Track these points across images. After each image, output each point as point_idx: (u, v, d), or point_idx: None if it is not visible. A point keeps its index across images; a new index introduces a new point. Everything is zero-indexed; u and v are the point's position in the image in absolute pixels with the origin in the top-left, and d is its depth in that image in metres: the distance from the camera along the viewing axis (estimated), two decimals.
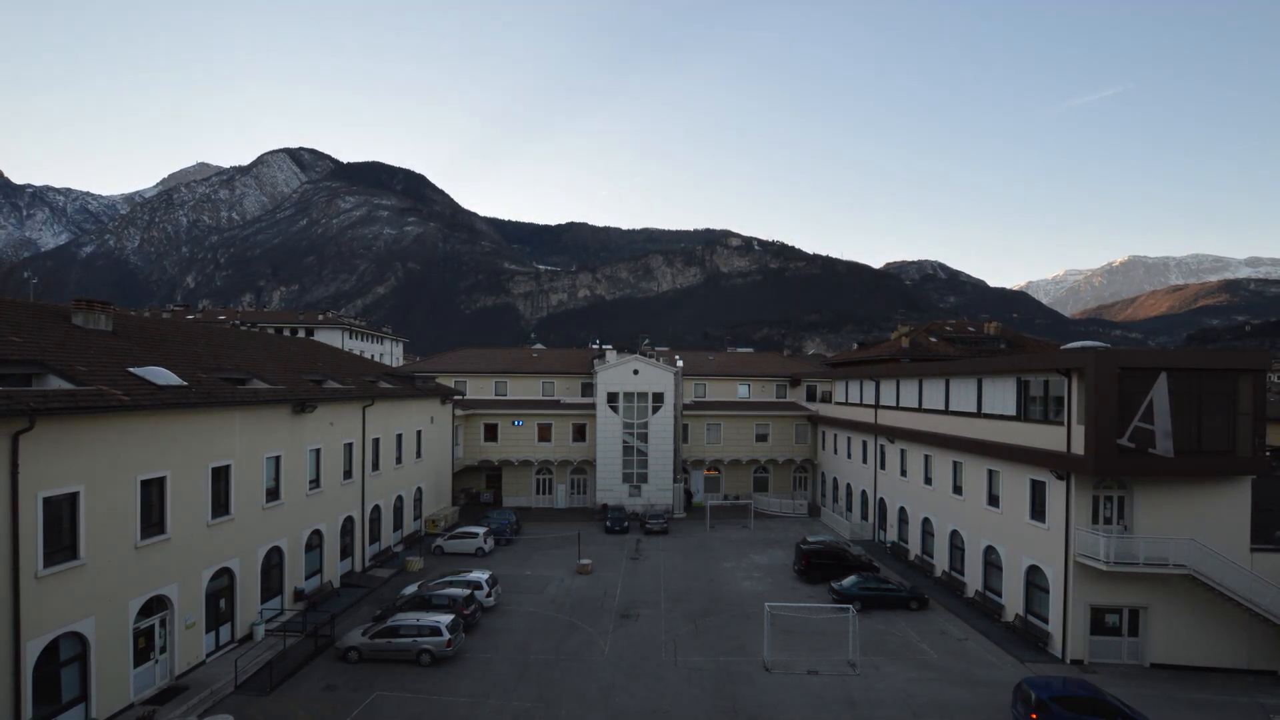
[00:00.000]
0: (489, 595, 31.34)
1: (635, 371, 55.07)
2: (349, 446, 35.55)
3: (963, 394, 35.07)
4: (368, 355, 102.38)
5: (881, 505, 44.96)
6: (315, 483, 32.18)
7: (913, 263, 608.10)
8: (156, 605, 22.12)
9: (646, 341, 76.15)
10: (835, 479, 54.10)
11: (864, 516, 47.76)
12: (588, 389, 60.08)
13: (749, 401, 62.09)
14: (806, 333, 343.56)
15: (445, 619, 25.95)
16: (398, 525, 42.57)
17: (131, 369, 22.66)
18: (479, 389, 60.52)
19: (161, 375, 23.03)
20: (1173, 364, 25.49)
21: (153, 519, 21.87)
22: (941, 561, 36.58)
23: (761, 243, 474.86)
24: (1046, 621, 27.65)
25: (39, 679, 17.80)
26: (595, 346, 73.43)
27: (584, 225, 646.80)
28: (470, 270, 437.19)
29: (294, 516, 30.24)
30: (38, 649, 17.61)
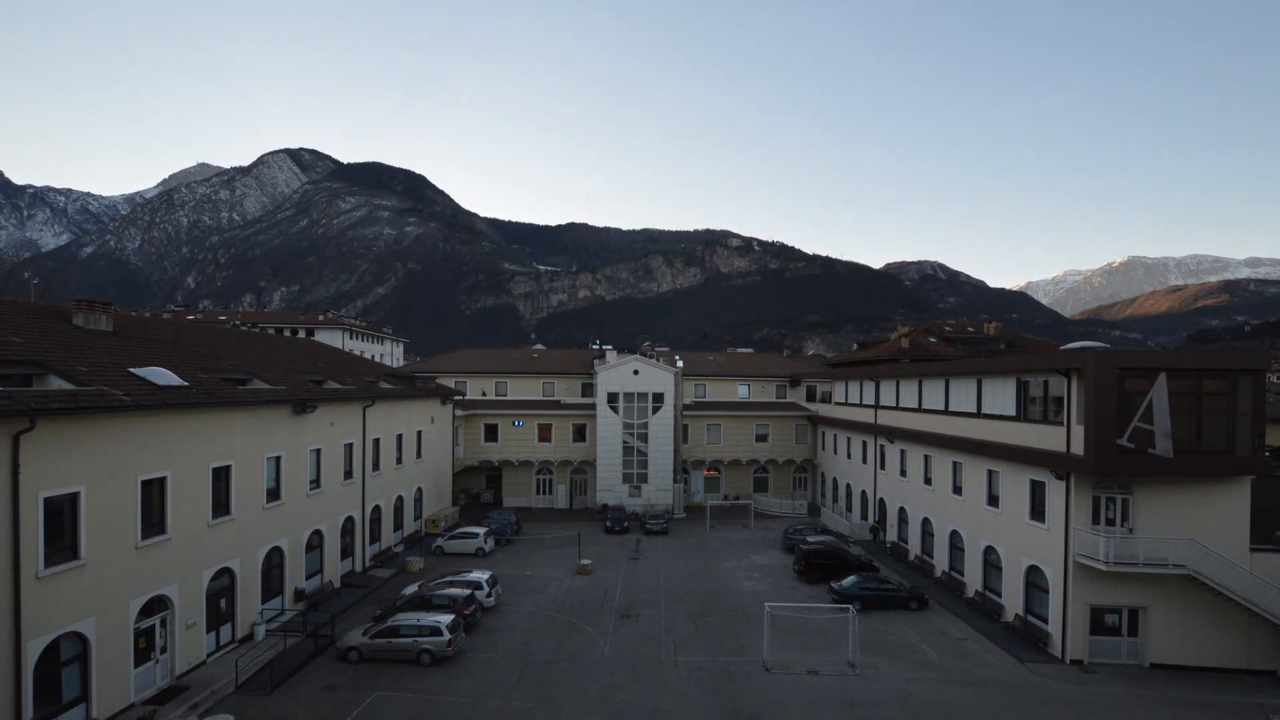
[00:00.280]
0: (489, 595, 31.36)
1: (635, 372, 55.10)
2: (349, 447, 35.58)
3: (962, 394, 35.09)
4: (368, 356, 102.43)
5: (881, 505, 44.97)
6: (316, 483, 32.21)
7: (913, 263, 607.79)
8: (157, 605, 22.14)
9: (647, 342, 76.23)
10: (835, 479, 54.11)
11: (864, 516, 47.76)
12: (588, 389, 60.12)
13: (749, 402, 62.12)
14: (806, 333, 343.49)
15: (446, 619, 25.98)
16: (398, 525, 42.59)
17: (132, 369, 22.69)
18: (479, 389, 60.56)
19: (162, 376, 23.06)
20: (1172, 364, 25.51)
21: (153, 519, 21.89)
22: (941, 561, 36.60)
23: (761, 243, 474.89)
24: (1046, 621, 27.66)
25: (40, 679, 17.82)
26: (595, 347, 73.47)
27: (584, 225, 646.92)
28: (470, 270, 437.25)
29: (294, 517, 30.27)
30: (38, 649, 17.64)
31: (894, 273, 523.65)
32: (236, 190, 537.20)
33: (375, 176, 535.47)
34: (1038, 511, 28.45)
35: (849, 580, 33.52)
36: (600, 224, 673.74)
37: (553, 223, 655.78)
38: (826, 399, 60.64)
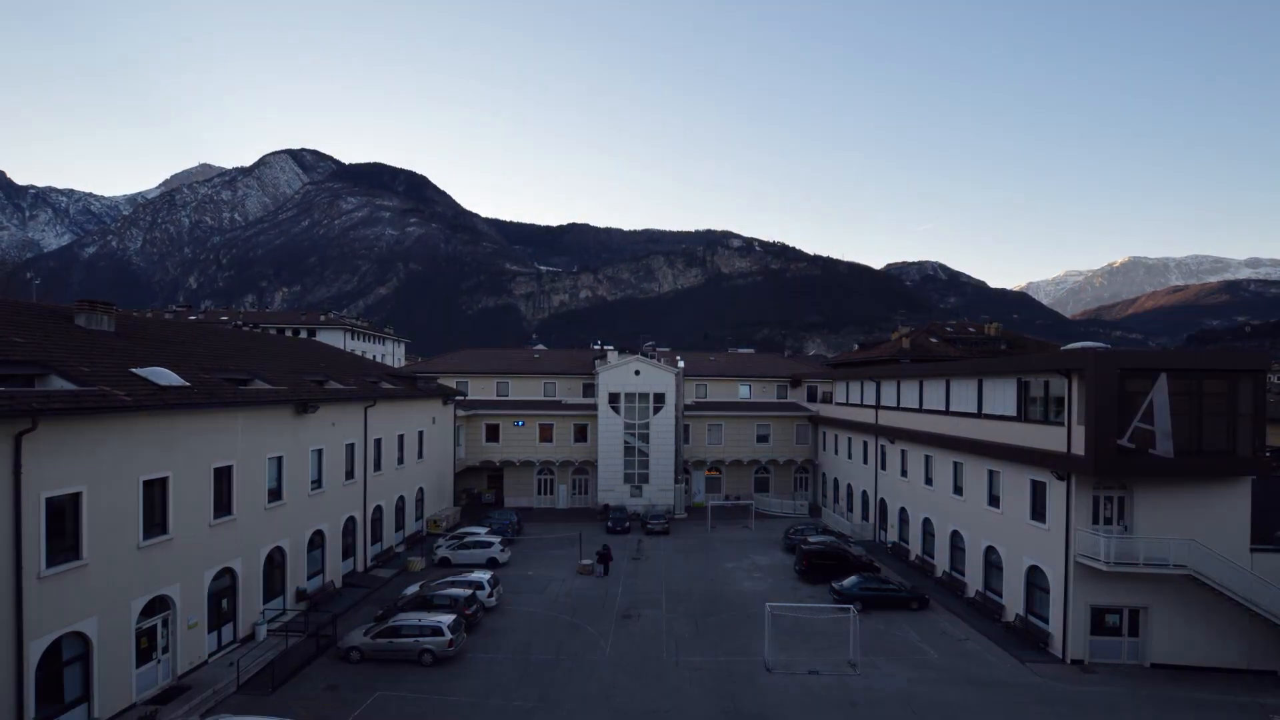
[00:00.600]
0: (490, 595, 31.40)
1: (636, 372, 55.13)
2: (351, 447, 35.62)
3: (963, 395, 35.10)
4: (370, 356, 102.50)
5: (882, 505, 44.98)
6: (317, 483, 32.25)
7: (913, 264, 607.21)
8: (159, 605, 22.18)
9: (648, 342, 76.17)
10: (836, 479, 54.12)
11: (865, 517, 47.78)
12: (589, 390, 60.14)
13: (750, 402, 62.14)
14: (807, 333, 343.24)
15: (447, 619, 26.01)
16: (399, 525, 42.64)
17: (134, 369, 22.74)
18: (481, 389, 60.61)
19: (164, 376, 23.11)
20: (1173, 365, 25.55)
21: (155, 519, 21.94)
22: (942, 562, 36.60)
23: (762, 244, 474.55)
24: (1047, 621, 27.67)
25: (41, 679, 17.86)
26: (596, 347, 73.46)
27: (585, 226, 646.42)
28: (472, 271, 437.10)
29: (296, 517, 30.31)
30: (40, 649, 17.68)
31: (895, 273, 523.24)
32: (238, 191, 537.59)
33: (377, 177, 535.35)
34: (1038, 512, 28.46)
35: (850, 580, 33.54)
36: (601, 224, 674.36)
37: (554, 223, 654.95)
38: (827, 399, 60.64)
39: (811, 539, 41.75)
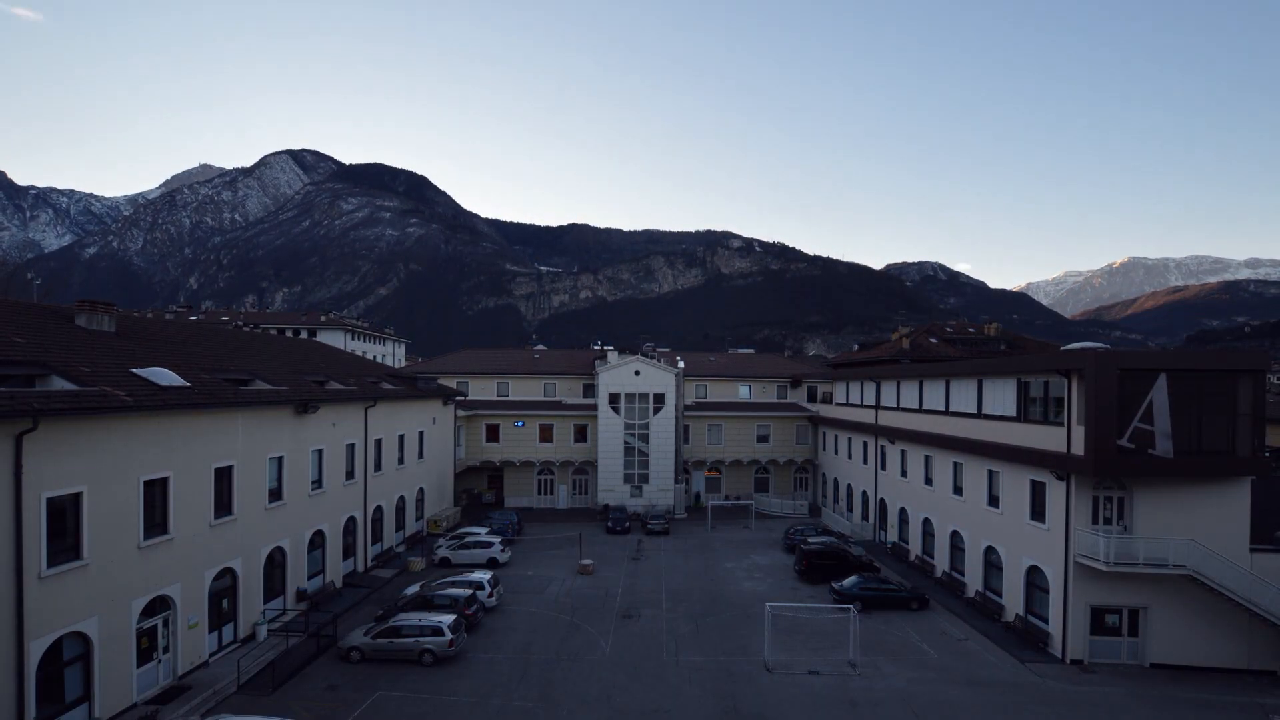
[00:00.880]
0: (491, 595, 31.42)
1: (636, 372, 55.16)
2: (351, 447, 35.64)
3: (963, 395, 35.12)
4: (370, 356, 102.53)
5: (882, 506, 45.00)
6: (318, 483, 32.28)
7: (913, 264, 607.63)
8: (159, 605, 22.22)
9: (648, 343, 76.22)
10: (836, 480, 54.14)
11: (864, 517, 47.80)
12: (589, 390, 60.16)
13: (750, 402, 62.17)
14: (807, 334, 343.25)
15: (447, 619, 26.04)
16: (400, 526, 42.66)
17: (134, 370, 22.77)
18: (481, 390, 60.63)
19: (164, 376, 23.14)
20: (1172, 365, 25.56)
21: (155, 519, 21.97)
22: (942, 562, 36.62)
23: (762, 244, 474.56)
24: (1046, 621, 27.69)
25: (42, 679, 17.89)
26: (597, 347, 73.51)
27: (585, 226, 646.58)
28: (472, 271, 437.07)
29: (296, 517, 30.33)
30: (41, 649, 17.71)
31: (895, 274, 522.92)
32: (239, 191, 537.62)
33: (377, 177, 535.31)
34: (1038, 512, 28.48)
35: (850, 580, 33.56)
36: (601, 225, 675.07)
37: (554, 224, 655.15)
38: (827, 400, 60.68)
39: (811, 539, 41.78)
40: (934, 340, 53.14)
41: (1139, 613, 26.28)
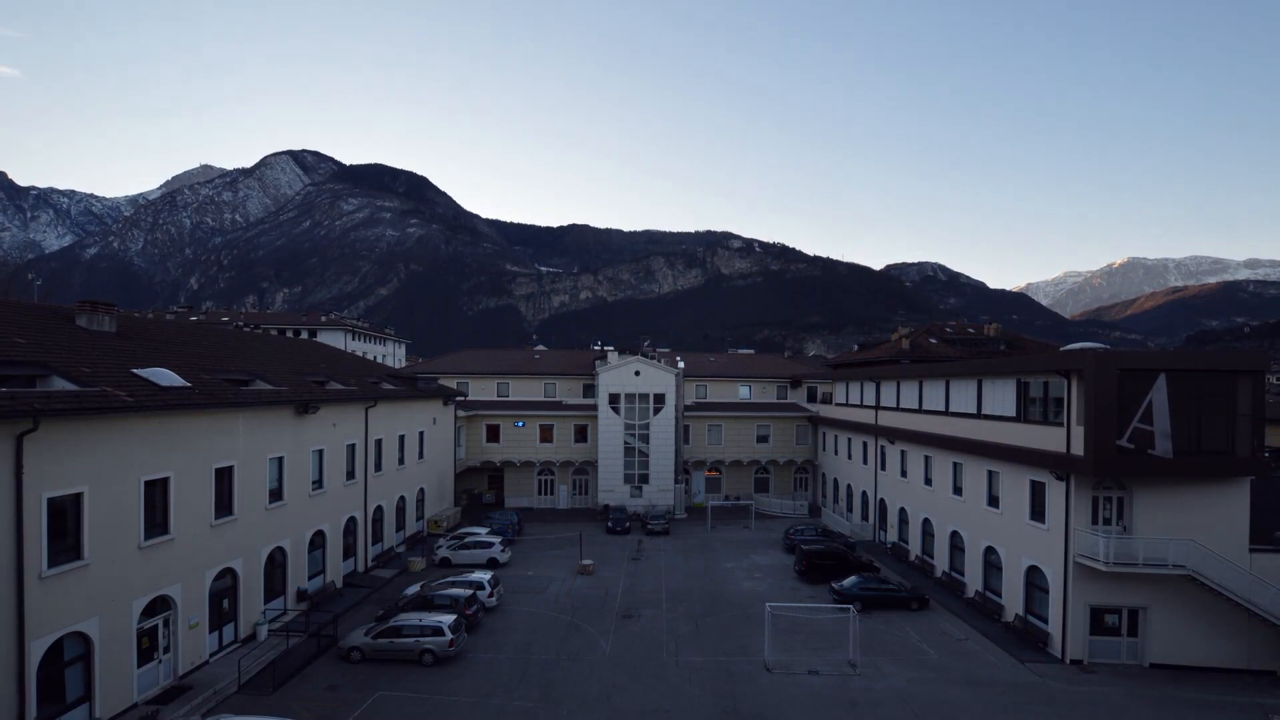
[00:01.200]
0: (491, 595, 31.44)
1: (637, 373, 55.18)
2: (352, 447, 35.67)
3: (963, 395, 35.14)
4: (370, 357, 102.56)
5: (882, 506, 45.02)
6: (318, 483, 32.30)
7: (913, 264, 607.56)
8: (160, 605, 22.25)
9: (648, 343, 76.26)
10: (836, 480, 54.16)
11: (864, 517, 47.81)
12: (589, 390, 60.19)
13: (750, 403, 62.20)
14: (807, 334, 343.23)
15: (448, 619, 26.06)
16: (400, 526, 42.69)
17: (135, 370, 22.80)
18: (481, 390, 60.66)
19: (165, 376, 23.18)
20: (1172, 365, 25.57)
21: (156, 519, 21.99)
22: (942, 562, 36.64)
23: (762, 244, 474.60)
24: (1046, 622, 27.71)
25: (43, 679, 17.92)
26: (597, 348, 73.54)
27: (585, 227, 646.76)
28: (472, 272, 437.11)
29: (297, 517, 30.36)
30: (42, 649, 17.74)
31: (894, 274, 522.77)
32: (239, 192, 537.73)
33: (377, 178, 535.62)
34: (1038, 512, 28.50)
35: (850, 580, 33.58)
36: (601, 225, 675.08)
37: (554, 224, 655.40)
38: (827, 400, 60.70)
39: (811, 539, 41.79)
40: (934, 340, 53.15)
41: (1139, 613, 26.30)
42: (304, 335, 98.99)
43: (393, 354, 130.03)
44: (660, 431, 54.91)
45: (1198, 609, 25.82)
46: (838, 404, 54.98)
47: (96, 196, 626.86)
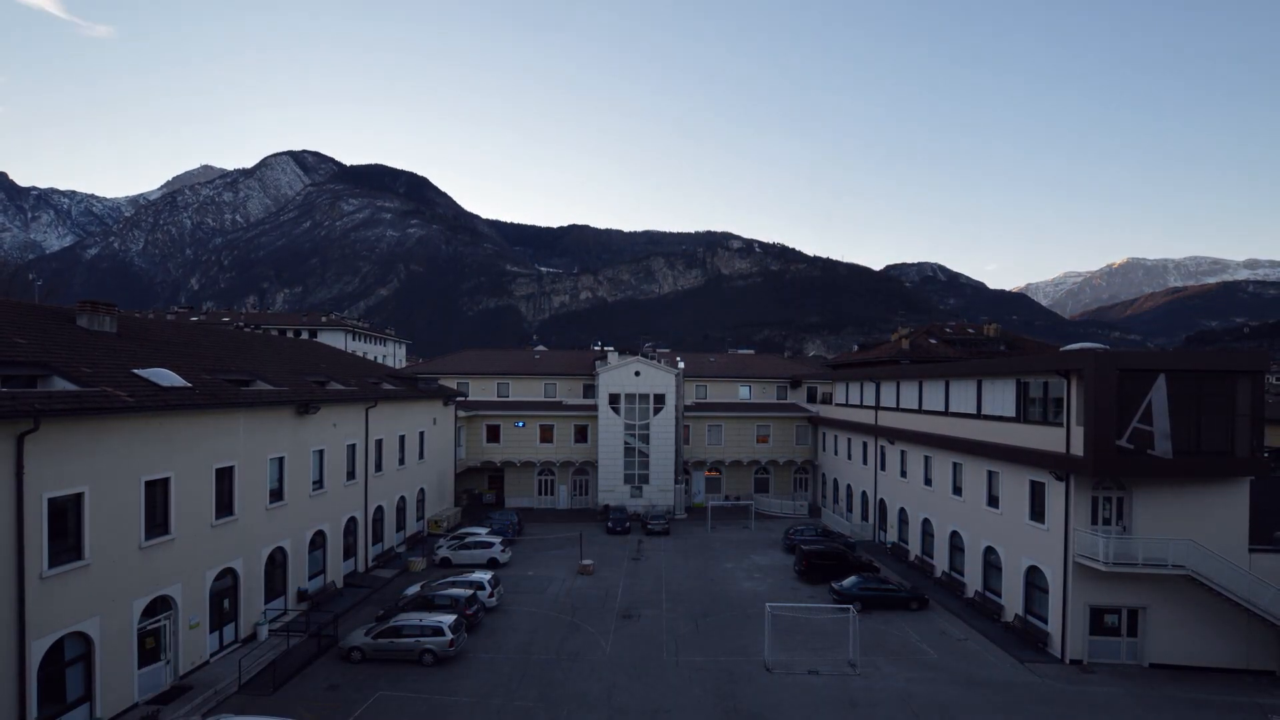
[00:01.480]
0: (491, 595, 31.46)
1: (637, 373, 55.21)
2: (352, 448, 35.70)
3: (962, 395, 35.17)
4: (371, 357, 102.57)
5: (882, 506, 45.04)
6: (319, 484, 32.33)
7: (913, 265, 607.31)
8: (160, 605, 22.27)
9: (648, 343, 76.30)
10: (836, 480, 54.18)
11: (864, 517, 47.83)
12: (589, 390, 60.23)
13: (750, 403, 62.23)
14: (807, 334, 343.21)
15: (448, 619, 26.09)
16: (400, 526, 42.72)
17: (136, 370, 22.84)
18: (481, 390, 60.69)
19: (165, 377, 23.21)
20: (1171, 365, 25.60)
21: (157, 520, 22.02)
22: (941, 562, 36.66)
23: (762, 245, 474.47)
24: (1046, 622, 27.73)
25: (44, 679, 17.95)
26: (597, 348, 73.57)
27: (585, 228, 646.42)
28: (472, 272, 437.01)
29: (297, 517, 30.39)
30: (43, 649, 17.76)
31: (894, 274, 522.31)
32: (240, 192, 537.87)
33: (378, 178, 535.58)
34: (1037, 512, 28.52)
35: (849, 580, 33.59)
36: (601, 226, 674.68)
37: (554, 224, 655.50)
38: (827, 400, 60.72)
39: (809, 537, 41.81)
40: (933, 341, 53.17)
41: (1138, 613, 26.32)
42: (304, 336, 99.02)
43: (393, 354, 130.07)
44: (660, 432, 54.94)
45: (1197, 609, 25.83)
46: (838, 404, 55.01)
47: (97, 197, 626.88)
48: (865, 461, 47.60)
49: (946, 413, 36.46)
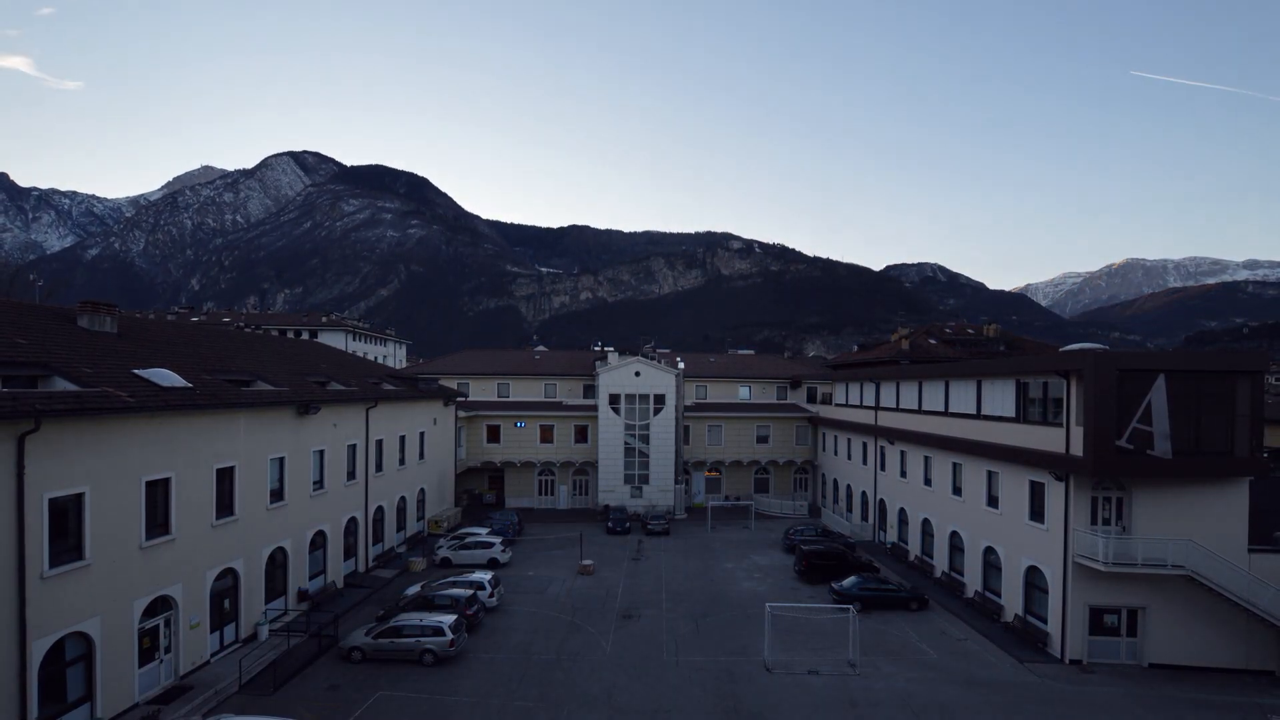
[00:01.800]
0: (491, 595, 31.49)
1: (637, 373, 55.24)
2: (352, 448, 35.73)
3: (962, 396, 35.19)
4: (371, 357, 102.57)
5: (881, 506, 45.06)
6: (319, 484, 32.36)
7: (912, 265, 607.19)
8: (161, 605, 22.30)
9: (648, 344, 76.28)
10: (835, 480, 54.20)
11: (864, 517, 47.85)
12: (589, 391, 60.26)
13: (750, 403, 62.25)
14: (807, 335, 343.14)
15: (448, 619, 26.12)
16: (401, 526, 42.75)
17: (136, 371, 22.87)
18: (482, 390, 60.72)
19: (166, 377, 23.23)
20: (1171, 366, 25.62)
21: (157, 520, 22.05)
22: (941, 562, 36.68)
23: (762, 245, 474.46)
24: (1045, 622, 27.76)
25: (45, 678, 17.98)
26: (597, 348, 73.59)
27: (585, 228, 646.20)
28: (473, 273, 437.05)
29: (298, 517, 30.41)
30: (43, 649, 17.79)
31: (894, 275, 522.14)
32: (240, 193, 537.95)
33: (378, 179, 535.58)
34: (1037, 512, 28.55)
35: (849, 581, 33.62)
36: (601, 226, 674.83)
37: (554, 225, 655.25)
38: (827, 400, 60.75)
39: (809, 537, 41.82)
40: (933, 341, 53.20)
41: (1138, 613, 26.34)
42: (305, 336, 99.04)
43: (393, 355, 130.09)
44: (660, 432, 54.96)
45: (1197, 609, 25.85)
46: (837, 404, 55.04)
47: (98, 197, 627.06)
48: (865, 462, 47.63)
49: (946, 413, 36.49)
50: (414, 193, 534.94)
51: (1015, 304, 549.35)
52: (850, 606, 27.61)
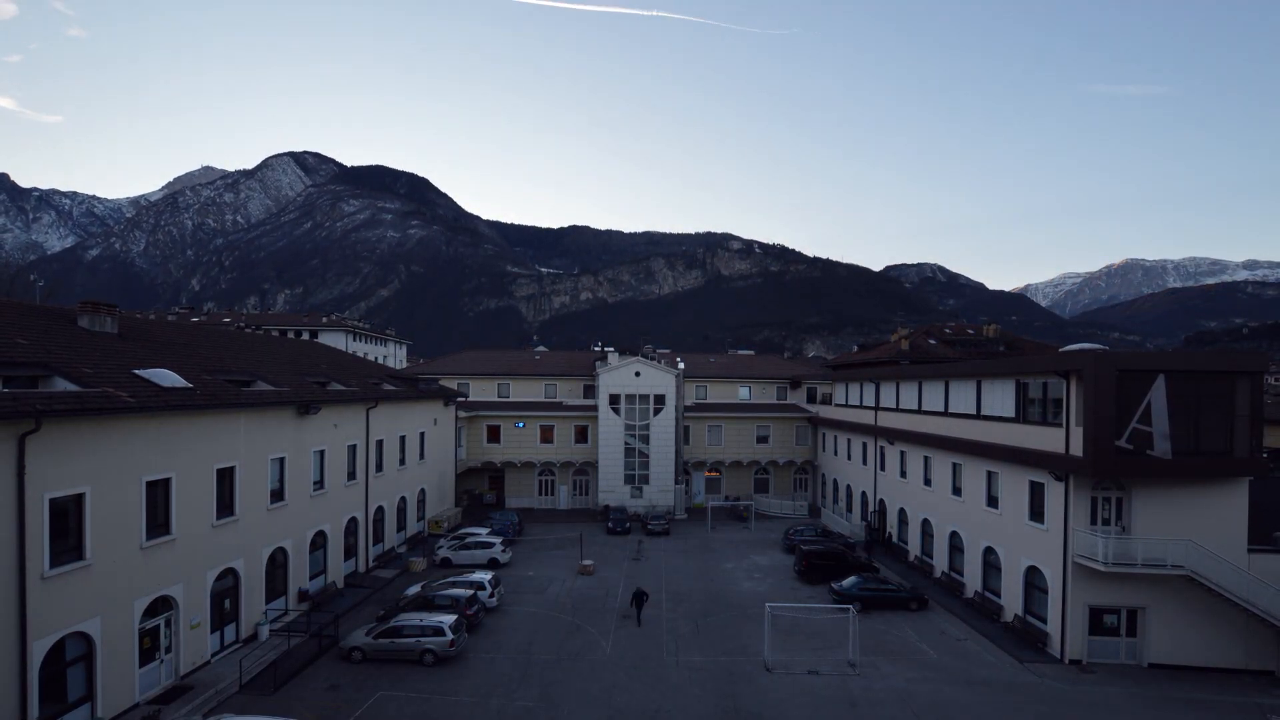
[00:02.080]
0: (492, 596, 31.50)
1: (637, 374, 55.26)
2: (353, 448, 35.74)
3: (962, 396, 35.21)
4: (371, 357, 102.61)
5: (881, 506, 45.06)
6: (319, 484, 32.38)
7: (912, 265, 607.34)
8: (161, 605, 22.31)
9: (648, 344, 76.32)
10: (835, 480, 54.21)
11: (864, 518, 47.85)
12: (590, 391, 60.27)
13: (750, 404, 62.26)
14: (807, 335, 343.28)
15: (448, 619, 26.13)
16: (401, 526, 42.76)
17: (137, 371, 22.88)
18: (482, 391, 60.73)
19: (166, 377, 23.25)
20: (1171, 366, 25.63)
21: (158, 520, 22.06)
22: (941, 562, 36.69)
23: (762, 245, 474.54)
24: (1045, 622, 27.77)
25: (45, 679, 17.98)
26: (597, 349, 73.60)
27: (586, 228, 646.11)
28: (473, 273, 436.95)
29: (298, 518, 30.43)
30: (44, 649, 17.80)
31: (894, 275, 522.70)
32: (241, 193, 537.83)
33: (378, 179, 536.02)
34: (1037, 512, 28.56)
35: (849, 581, 33.63)
36: (602, 226, 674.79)
37: (554, 225, 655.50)
38: (827, 401, 60.77)
39: (809, 537, 41.82)
40: (933, 341, 53.22)
41: (1137, 613, 26.36)
42: (305, 336, 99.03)
43: (394, 355, 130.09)
44: (660, 432, 54.98)
45: (1196, 609, 25.87)
46: (837, 405, 55.05)
47: (98, 198, 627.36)
48: (865, 462, 47.64)
49: (946, 413, 36.50)
50: (414, 193, 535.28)
51: (1015, 304, 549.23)
52: (850, 606, 27.63)
